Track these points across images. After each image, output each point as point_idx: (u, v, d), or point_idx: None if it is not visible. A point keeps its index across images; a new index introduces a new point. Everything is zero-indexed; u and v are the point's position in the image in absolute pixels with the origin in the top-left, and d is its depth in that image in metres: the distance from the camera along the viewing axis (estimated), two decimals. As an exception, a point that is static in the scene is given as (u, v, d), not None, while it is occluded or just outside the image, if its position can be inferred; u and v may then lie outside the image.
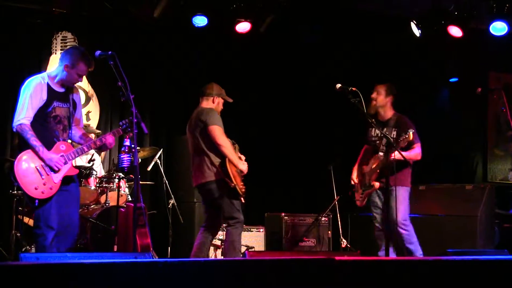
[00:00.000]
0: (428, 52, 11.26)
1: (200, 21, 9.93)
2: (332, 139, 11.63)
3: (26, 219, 8.83)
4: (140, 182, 7.04)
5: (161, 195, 10.27)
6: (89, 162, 9.26)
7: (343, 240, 10.14)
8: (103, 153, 10.49)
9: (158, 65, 11.24)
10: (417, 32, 10.20)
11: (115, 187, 9.11)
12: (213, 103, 8.01)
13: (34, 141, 6.56)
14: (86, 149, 6.95)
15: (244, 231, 9.64)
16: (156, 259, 7.39)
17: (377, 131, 8.34)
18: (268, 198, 11.18)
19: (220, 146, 7.73)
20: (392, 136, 8.11)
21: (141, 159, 9.51)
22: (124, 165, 6.70)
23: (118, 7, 9.95)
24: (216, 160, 7.78)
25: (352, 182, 8.55)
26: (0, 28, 10.00)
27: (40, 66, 10.43)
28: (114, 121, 11.04)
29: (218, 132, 7.75)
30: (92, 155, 9.36)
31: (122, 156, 6.65)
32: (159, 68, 11.27)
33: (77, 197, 7.05)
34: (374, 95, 8.29)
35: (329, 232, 10.11)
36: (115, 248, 8.76)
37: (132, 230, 7.22)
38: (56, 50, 10.53)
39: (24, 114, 6.61)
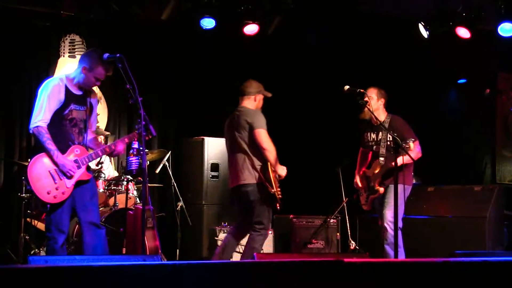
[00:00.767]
0: (436, 54, 11.24)
1: (208, 23, 9.93)
2: (340, 141, 11.62)
3: (34, 222, 8.85)
4: (149, 185, 7.07)
5: (169, 197, 10.27)
6: (97, 165, 9.28)
7: (352, 242, 10.14)
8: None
9: (166, 67, 11.24)
10: (425, 33, 10.18)
11: (123, 189, 9.13)
12: (254, 101, 8.04)
13: (50, 144, 6.56)
14: (100, 154, 6.97)
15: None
16: (165, 261, 7.39)
17: (373, 136, 8.36)
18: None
19: (264, 150, 7.74)
20: (388, 139, 8.11)
21: (149, 162, 9.52)
22: (133, 168, 6.69)
23: (125, 9, 9.96)
24: (257, 163, 7.80)
25: (356, 186, 8.55)
26: (8, 31, 10.03)
27: (48, 69, 10.46)
28: (122, 123, 11.07)
29: (264, 136, 7.76)
30: (100, 157, 9.38)
31: (130, 159, 6.64)
32: (167, 70, 11.27)
33: (95, 191, 7.06)
34: (366, 99, 8.20)
35: (338, 234, 10.10)
36: (124, 250, 8.77)
37: (141, 232, 7.22)
38: (64, 53, 10.55)
39: (41, 116, 6.62)
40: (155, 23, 10.30)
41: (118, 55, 6.62)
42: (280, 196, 7.77)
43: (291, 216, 9.90)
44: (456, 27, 10.00)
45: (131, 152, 6.68)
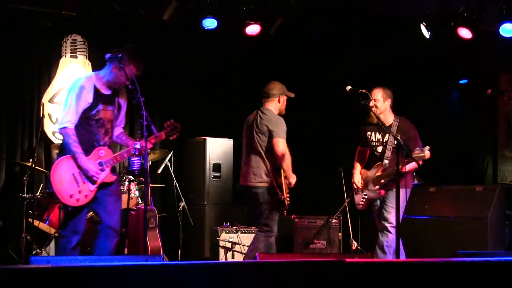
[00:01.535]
0: (437, 54, 11.24)
1: (210, 23, 9.93)
2: (341, 141, 11.62)
3: (36, 222, 8.84)
4: (151, 185, 7.07)
5: (171, 197, 10.27)
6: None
7: (354, 242, 10.14)
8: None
9: (168, 67, 11.23)
10: (426, 34, 10.19)
11: (125, 190, 9.12)
12: (278, 103, 8.11)
13: (75, 147, 6.54)
14: (125, 155, 6.92)
15: (255, 233, 9.66)
16: (167, 261, 7.40)
17: (378, 136, 8.31)
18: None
19: (280, 158, 7.81)
20: (395, 143, 8.08)
21: (151, 162, 9.53)
22: (135, 168, 6.72)
23: (127, 9, 9.96)
24: (271, 168, 7.88)
25: (355, 186, 8.53)
26: (9, 31, 10.02)
27: (50, 69, 10.45)
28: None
29: (282, 146, 7.83)
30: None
31: (132, 159, 6.67)
32: (169, 70, 11.26)
33: (119, 194, 7.08)
34: (372, 103, 8.17)
35: (340, 234, 10.11)
36: (126, 251, 8.78)
37: (143, 232, 7.24)
38: (66, 53, 10.54)
39: (68, 117, 6.60)
40: (157, 23, 10.29)
41: (119, 55, 6.64)
42: (288, 202, 7.85)
43: (293, 216, 9.91)
44: (458, 28, 10.01)
45: (133, 152, 6.69)
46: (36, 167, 8.87)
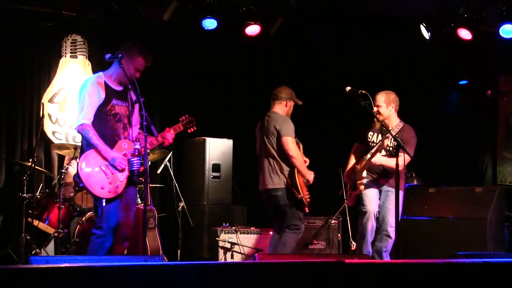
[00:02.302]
0: (437, 55, 11.23)
1: (210, 24, 9.92)
2: (341, 142, 11.61)
3: (35, 222, 8.84)
4: (150, 185, 7.06)
5: (170, 197, 10.27)
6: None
7: (353, 242, 10.12)
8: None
9: (168, 68, 11.22)
10: (426, 34, 10.18)
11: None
12: (285, 107, 8.31)
13: (97, 140, 6.56)
14: (148, 147, 6.89)
15: (254, 233, 9.67)
16: (166, 262, 7.40)
17: (379, 138, 8.31)
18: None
19: (291, 158, 7.99)
20: (391, 145, 8.09)
21: (151, 162, 9.52)
22: (134, 168, 6.71)
23: (127, 9, 9.96)
24: (286, 169, 8.06)
25: (346, 181, 8.65)
26: (10, 31, 10.02)
27: (50, 69, 10.44)
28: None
29: (291, 144, 8.00)
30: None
31: (132, 159, 6.65)
32: (169, 70, 11.25)
33: (134, 199, 7.12)
34: (376, 110, 8.18)
35: (339, 234, 10.11)
36: (125, 251, 8.77)
37: (142, 233, 7.23)
38: (66, 53, 10.53)
39: (83, 114, 6.62)
40: (157, 23, 10.29)
41: (119, 55, 6.65)
42: (308, 200, 8.03)
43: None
44: (457, 29, 9.99)
45: (132, 152, 6.69)
46: (36, 167, 8.89)
